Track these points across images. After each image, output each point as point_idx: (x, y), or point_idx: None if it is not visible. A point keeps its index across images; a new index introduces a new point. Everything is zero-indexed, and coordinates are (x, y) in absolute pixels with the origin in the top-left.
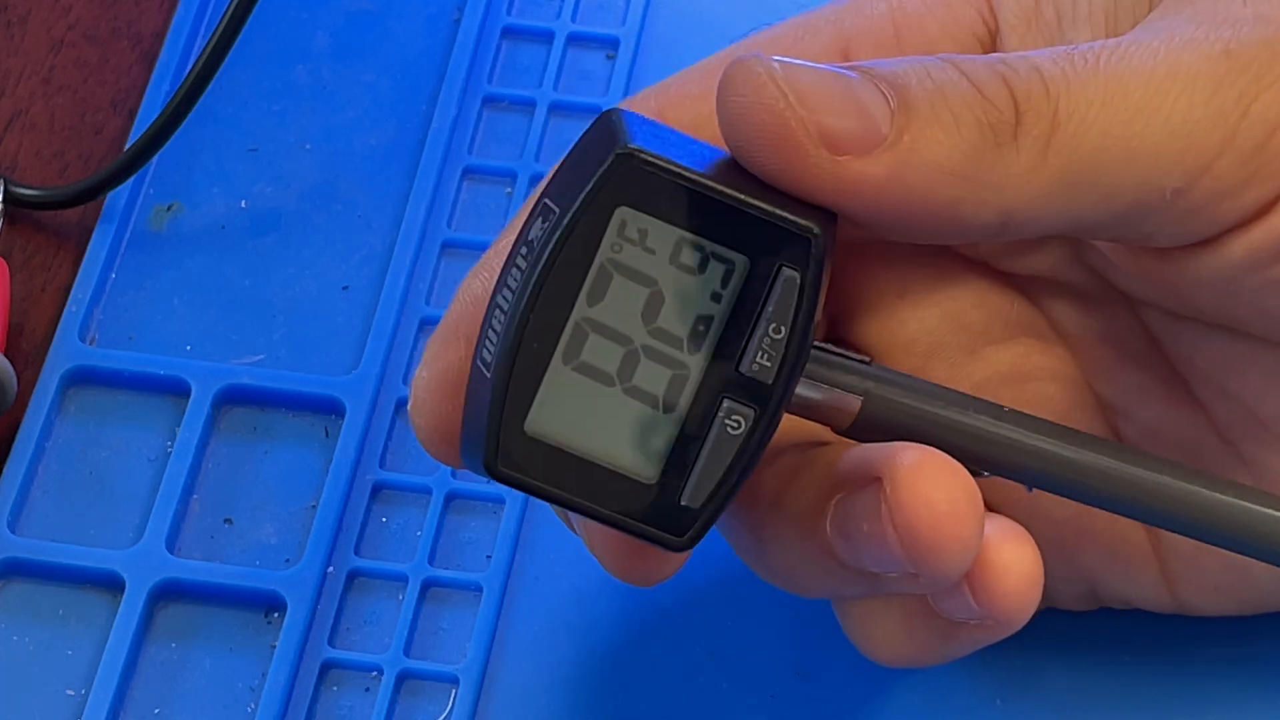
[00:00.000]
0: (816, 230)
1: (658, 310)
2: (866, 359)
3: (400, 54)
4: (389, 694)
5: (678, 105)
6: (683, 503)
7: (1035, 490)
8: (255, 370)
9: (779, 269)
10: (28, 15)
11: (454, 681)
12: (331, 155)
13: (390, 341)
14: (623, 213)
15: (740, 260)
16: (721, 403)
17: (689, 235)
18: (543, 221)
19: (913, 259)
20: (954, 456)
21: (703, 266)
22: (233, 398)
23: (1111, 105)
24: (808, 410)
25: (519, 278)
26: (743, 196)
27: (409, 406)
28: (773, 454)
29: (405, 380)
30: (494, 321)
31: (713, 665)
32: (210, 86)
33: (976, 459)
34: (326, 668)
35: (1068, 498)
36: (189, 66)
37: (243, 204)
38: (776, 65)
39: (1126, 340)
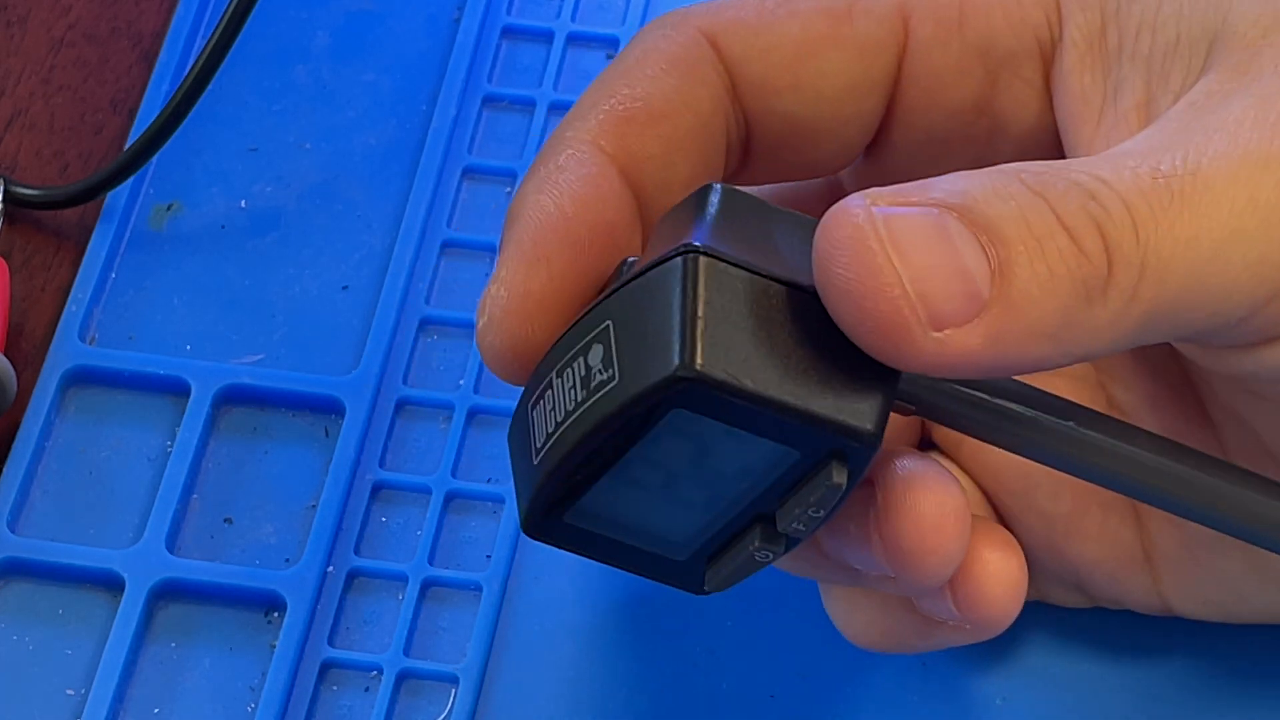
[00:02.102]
0: (876, 436)
1: (705, 457)
2: None
3: (400, 54)
4: (389, 694)
5: (730, 33)
6: (705, 586)
7: (1029, 484)
8: (255, 370)
9: (829, 458)
10: (28, 15)
11: (454, 681)
12: (331, 155)
13: (390, 341)
14: (680, 410)
15: (792, 452)
16: (755, 530)
17: (745, 430)
18: (602, 358)
19: None
20: (991, 441)
21: (753, 446)
22: (233, 397)
23: (1195, 244)
24: None
25: (572, 404)
26: (805, 409)
27: (479, 326)
28: None
29: (405, 380)
30: (547, 405)
31: (713, 665)
32: (210, 86)
33: (1016, 445)
34: (326, 667)
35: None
36: (189, 66)
37: (243, 204)
38: (880, 220)
39: (1149, 349)
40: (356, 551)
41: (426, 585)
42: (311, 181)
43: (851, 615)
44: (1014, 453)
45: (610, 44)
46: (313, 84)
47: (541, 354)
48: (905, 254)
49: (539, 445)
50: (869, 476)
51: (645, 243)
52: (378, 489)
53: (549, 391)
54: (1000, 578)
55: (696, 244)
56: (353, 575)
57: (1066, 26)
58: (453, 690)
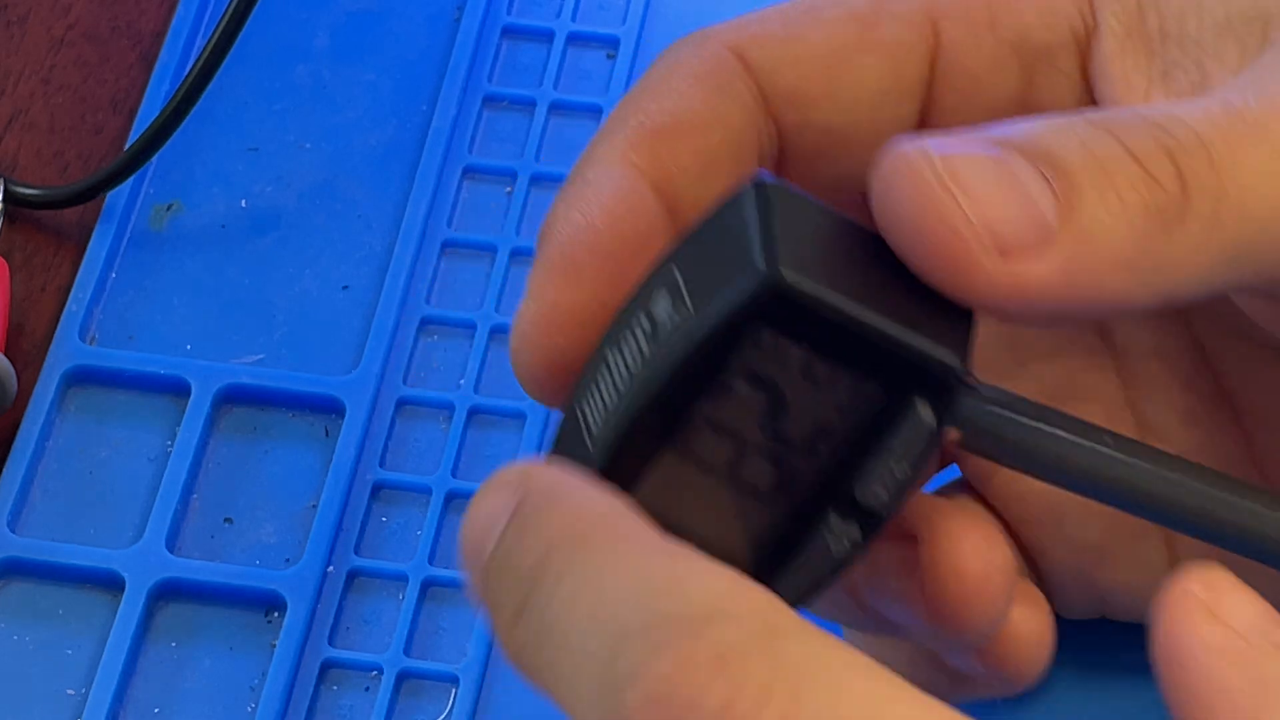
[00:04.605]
0: (959, 366)
1: (777, 414)
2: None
3: (400, 54)
4: (389, 694)
5: (757, 46)
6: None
7: (1058, 514)
8: (255, 370)
9: (912, 400)
10: (28, 15)
11: (454, 681)
12: (331, 155)
13: (390, 341)
14: (761, 329)
15: (873, 386)
16: (828, 516)
17: (826, 357)
18: (671, 303)
19: None
20: (1056, 483)
21: (832, 382)
22: (233, 397)
23: (1276, 174)
24: None
25: (637, 360)
26: (889, 332)
27: (511, 344)
28: None
29: (405, 380)
30: (602, 383)
31: None
32: (210, 86)
33: (1083, 486)
34: (326, 667)
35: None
36: (189, 66)
37: (243, 204)
38: (936, 156)
39: (1178, 358)
40: (356, 551)
41: (426, 585)
42: (311, 181)
43: None
44: (1057, 483)
45: (610, 44)
46: (313, 84)
47: (575, 369)
48: (963, 182)
49: (594, 425)
50: (914, 530)
51: None
52: (378, 489)
53: (602, 370)
54: (1031, 637)
55: (763, 178)
56: (353, 575)
57: (1101, 14)
58: (453, 690)
